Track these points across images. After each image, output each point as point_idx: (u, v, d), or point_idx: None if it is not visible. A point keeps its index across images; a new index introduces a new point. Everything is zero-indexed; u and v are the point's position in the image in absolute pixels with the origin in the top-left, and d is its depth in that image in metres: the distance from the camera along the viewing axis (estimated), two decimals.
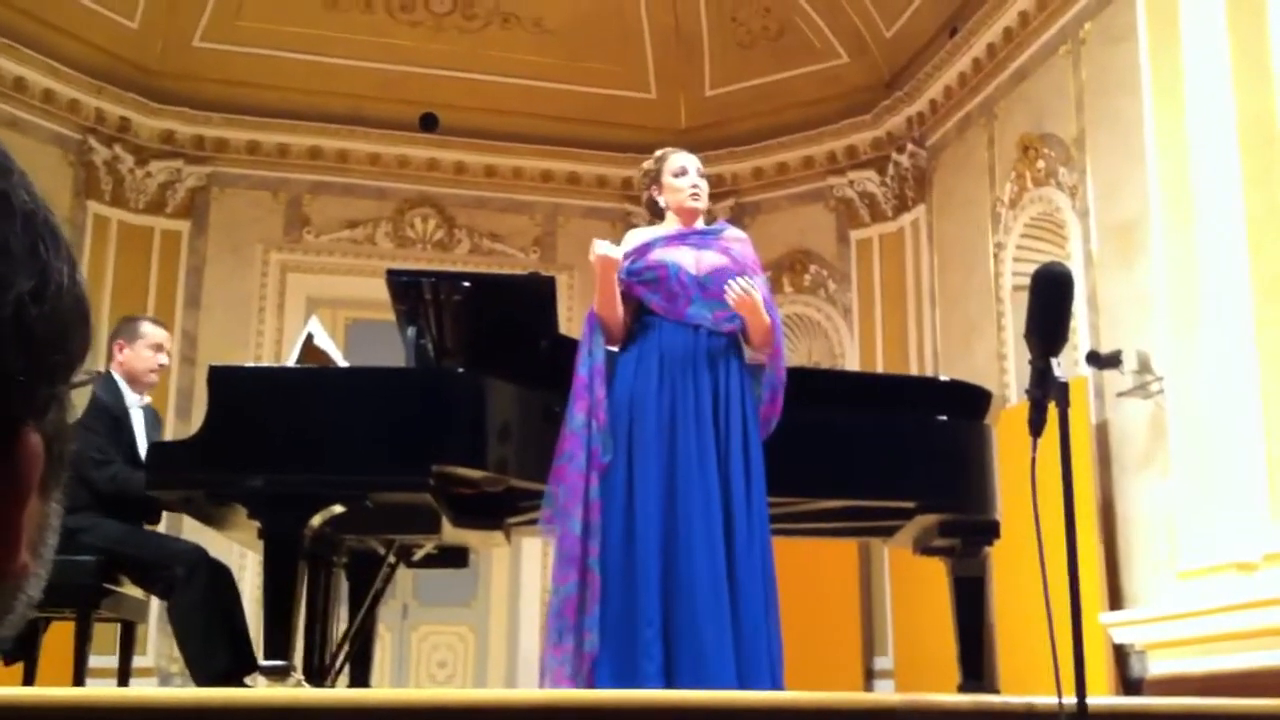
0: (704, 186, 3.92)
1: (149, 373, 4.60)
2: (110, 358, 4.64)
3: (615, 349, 3.74)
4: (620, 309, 3.71)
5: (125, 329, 4.69)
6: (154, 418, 4.68)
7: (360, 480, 3.59)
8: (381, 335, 6.44)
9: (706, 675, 3.31)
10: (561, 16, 9.36)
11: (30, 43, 8.17)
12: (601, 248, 3.65)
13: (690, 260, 3.74)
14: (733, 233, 3.96)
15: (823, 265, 9.25)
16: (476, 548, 4.91)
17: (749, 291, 3.60)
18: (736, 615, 3.44)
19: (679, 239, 3.79)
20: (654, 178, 3.90)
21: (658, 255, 3.74)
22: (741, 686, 3.31)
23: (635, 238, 3.85)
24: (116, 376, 4.55)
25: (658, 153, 3.98)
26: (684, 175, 3.87)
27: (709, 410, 3.60)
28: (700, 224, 3.90)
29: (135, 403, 4.54)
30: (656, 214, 3.92)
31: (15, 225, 0.59)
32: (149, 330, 4.69)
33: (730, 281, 3.63)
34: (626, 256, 3.75)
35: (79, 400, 0.65)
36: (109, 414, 4.39)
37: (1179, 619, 5.12)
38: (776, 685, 3.44)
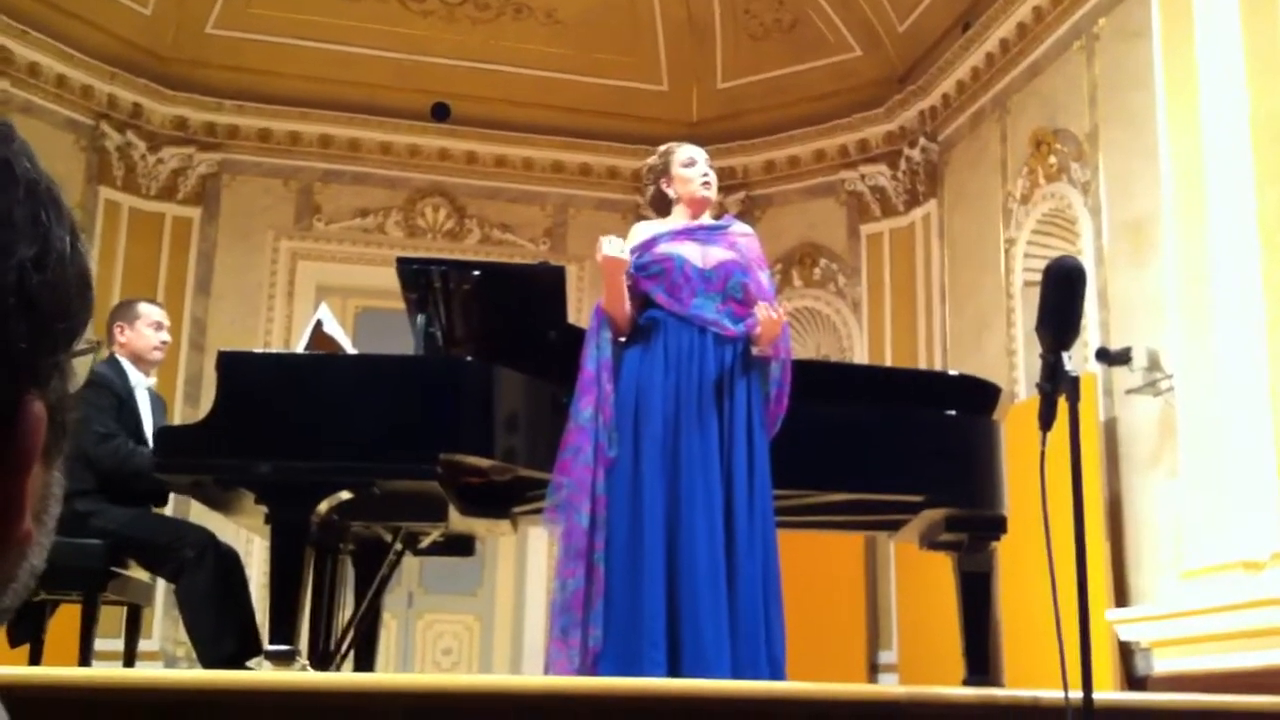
0: (713, 177, 3.92)
1: (153, 350, 4.63)
2: (112, 341, 4.65)
3: (622, 339, 3.75)
4: (627, 305, 3.70)
5: (122, 312, 4.71)
6: (159, 402, 4.70)
7: (368, 467, 3.60)
8: (391, 324, 6.44)
9: (705, 666, 3.31)
10: (574, 8, 9.35)
11: (44, 28, 8.19)
12: (609, 248, 3.63)
13: (696, 254, 3.74)
14: (739, 228, 3.95)
15: (833, 259, 9.24)
16: (483, 536, 4.91)
17: (777, 319, 3.61)
18: (735, 609, 3.44)
19: (686, 234, 3.78)
20: (662, 171, 3.89)
21: (664, 249, 3.74)
22: (737, 679, 3.31)
23: (642, 231, 3.84)
24: (121, 359, 4.57)
25: (662, 148, 3.98)
26: (694, 165, 3.87)
27: (713, 402, 3.60)
28: (708, 217, 3.89)
29: (141, 383, 4.56)
30: (663, 209, 3.91)
31: (18, 193, 0.59)
32: (146, 309, 4.71)
33: (761, 304, 3.63)
34: (632, 251, 3.74)
35: (80, 369, 0.65)
36: (114, 394, 4.41)
37: (1185, 617, 5.11)
38: (778, 677, 3.44)
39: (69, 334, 0.61)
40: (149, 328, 4.63)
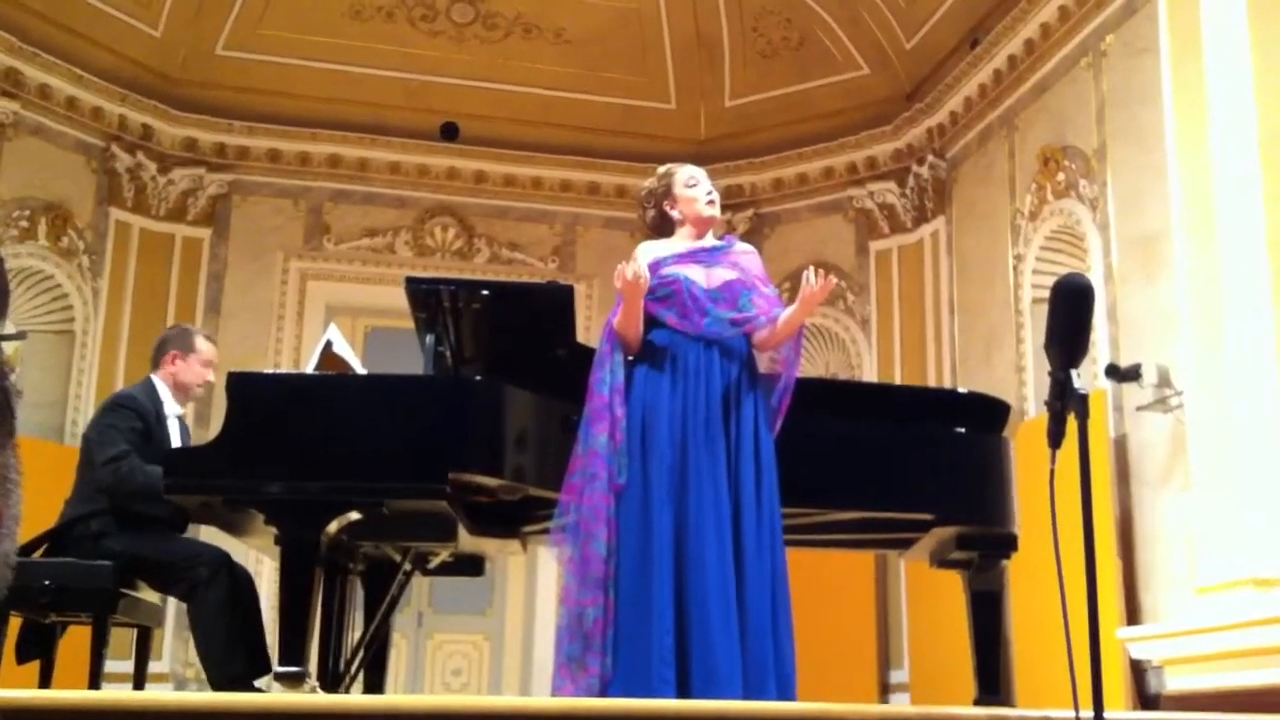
0: (717, 195, 3.91)
1: (196, 386, 4.71)
2: (158, 365, 4.67)
3: (630, 358, 3.74)
4: (641, 328, 3.69)
5: (181, 340, 4.73)
6: (187, 431, 4.73)
7: (377, 487, 3.60)
8: (400, 343, 6.46)
9: (717, 686, 3.30)
10: (582, 27, 9.38)
11: (55, 50, 8.23)
12: (633, 268, 3.58)
13: (701, 276, 3.73)
14: (741, 246, 3.94)
15: (841, 276, 9.22)
16: (492, 556, 4.91)
17: (820, 288, 3.60)
18: (743, 627, 3.43)
19: (689, 256, 3.76)
20: (664, 194, 3.87)
21: (669, 271, 3.72)
22: (747, 698, 3.30)
23: (647, 253, 3.79)
24: (159, 382, 4.59)
25: (661, 170, 3.94)
26: (697, 185, 3.85)
27: (719, 420, 3.59)
28: (711, 237, 3.88)
29: (174, 411, 4.60)
30: (665, 231, 3.89)
31: None
32: (203, 346, 4.75)
33: (809, 270, 3.62)
34: None
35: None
36: (140, 417, 4.42)
37: (1197, 634, 5.09)
38: (787, 696, 3.42)
39: None
40: (201, 365, 4.69)
